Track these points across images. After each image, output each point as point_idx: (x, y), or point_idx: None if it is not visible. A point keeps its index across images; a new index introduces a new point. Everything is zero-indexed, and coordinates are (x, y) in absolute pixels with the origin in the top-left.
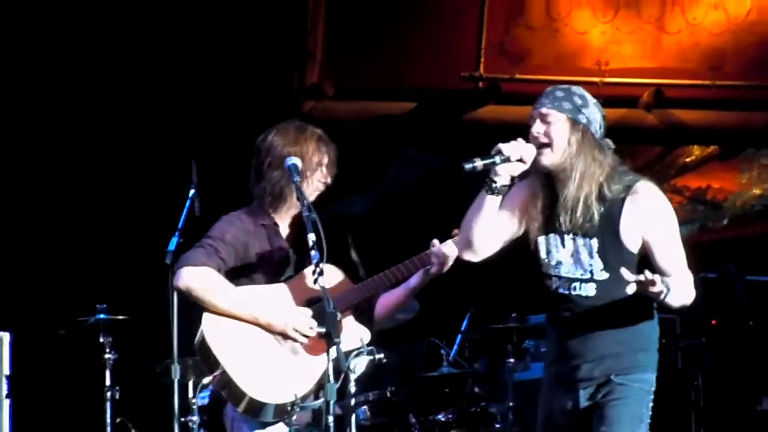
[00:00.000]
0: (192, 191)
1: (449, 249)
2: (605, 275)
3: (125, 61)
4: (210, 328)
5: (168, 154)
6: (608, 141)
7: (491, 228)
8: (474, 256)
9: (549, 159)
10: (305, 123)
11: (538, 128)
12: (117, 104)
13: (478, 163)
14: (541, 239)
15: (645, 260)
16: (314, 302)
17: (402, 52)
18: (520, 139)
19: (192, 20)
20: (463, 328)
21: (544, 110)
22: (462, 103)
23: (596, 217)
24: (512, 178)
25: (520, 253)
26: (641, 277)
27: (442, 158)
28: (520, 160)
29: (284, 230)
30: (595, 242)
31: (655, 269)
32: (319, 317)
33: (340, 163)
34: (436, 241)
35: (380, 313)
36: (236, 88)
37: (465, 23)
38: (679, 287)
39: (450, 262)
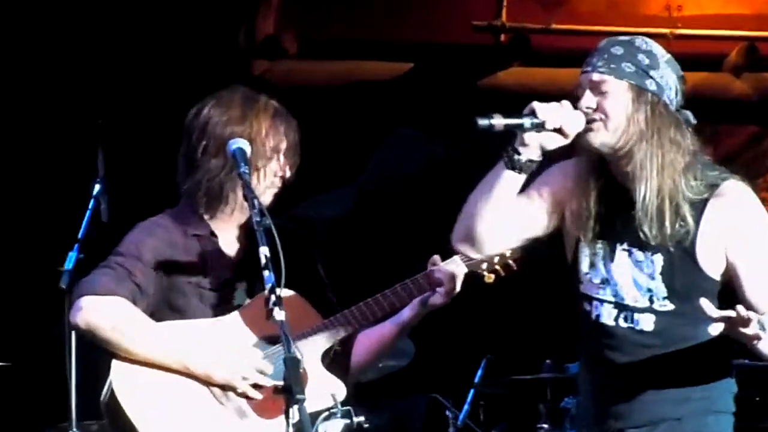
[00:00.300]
0: (97, 188)
1: (456, 268)
2: (669, 306)
3: None
4: (121, 381)
5: (65, 137)
6: (688, 114)
7: (504, 216)
8: (473, 251)
9: (601, 137)
10: (255, 92)
11: (588, 101)
12: None
13: (499, 121)
14: (585, 247)
15: (728, 290)
16: (269, 343)
17: None
18: (565, 102)
19: None
20: (476, 381)
21: (596, 76)
22: (476, 64)
23: (667, 224)
24: (543, 154)
25: (557, 274)
26: (731, 313)
27: (448, 142)
28: (559, 131)
29: (226, 243)
30: (659, 259)
31: (742, 302)
32: (276, 364)
33: (306, 148)
34: (437, 258)
35: (360, 358)
36: (159, 44)
37: None
38: None
39: (458, 287)
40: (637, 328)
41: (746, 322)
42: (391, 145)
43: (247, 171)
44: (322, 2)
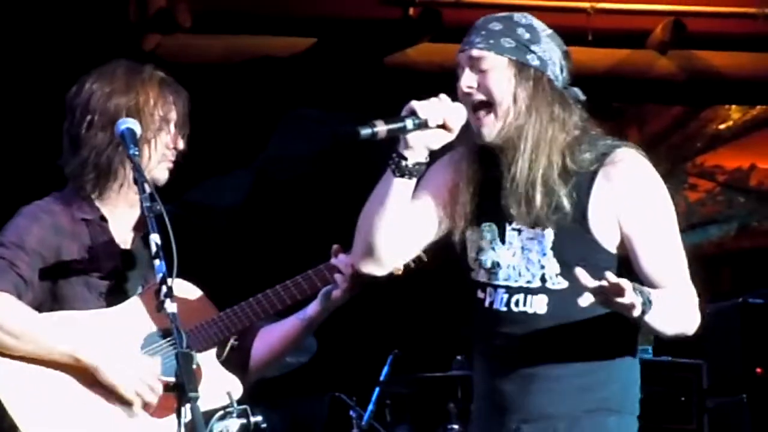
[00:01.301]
0: None
1: None
2: (563, 283)
3: None
4: (5, 379)
5: None
6: (575, 90)
7: (401, 227)
8: (378, 268)
9: (489, 126)
10: (140, 63)
11: (468, 80)
12: None
13: (381, 128)
14: (471, 233)
15: (628, 265)
16: (159, 338)
17: None
18: (443, 96)
19: None
20: (382, 378)
21: (475, 53)
22: (384, 39)
23: (537, 203)
24: (430, 153)
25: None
26: (602, 282)
27: (351, 122)
28: (443, 126)
29: (117, 228)
30: (550, 234)
31: (639, 277)
32: (167, 359)
33: (200, 129)
34: (338, 247)
35: (260, 354)
36: (45, 17)
37: None
38: (672, 305)
39: (364, 280)
40: (530, 311)
41: (621, 290)
42: (290, 125)
43: (137, 153)
44: None
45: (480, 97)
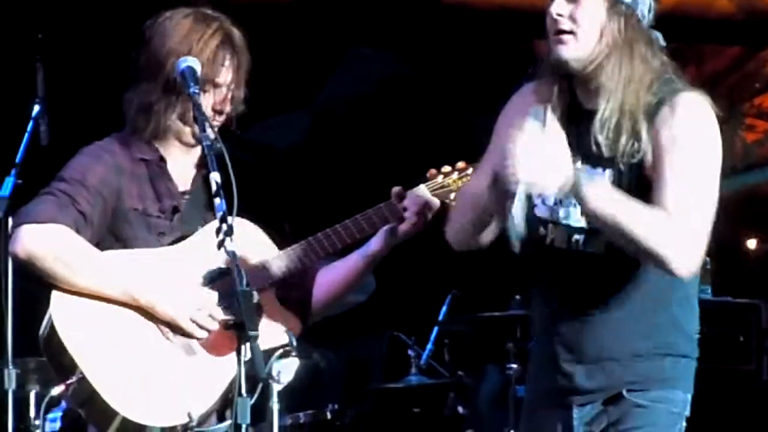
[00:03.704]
0: (36, 109)
1: (425, 196)
2: None
3: None
4: (63, 313)
5: (1, 53)
6: (658, 34)
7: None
8: (465, 243)
9: (571, 52)
10: (212, 13)
11: (559, 6)
12: None
13: (518, 222)
14: None
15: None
16: (219, 276)
17: None
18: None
19: None
20: (440, 318)
21: None
22: None
23: (623, 139)
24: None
25: None
26: None
27: (411, 60)
28: None
29: (176, 168)
30: (608, 174)
31: (652, 197)
32: (227, 299)
33: (258, 69)
34: (399, 189)
35: (321, 293)
36: None
37: None
38: (633, 211)
39: (429, 215)
40: (589, 250)
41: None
42: (349, 65)
43: (197, 91)
44: None
45: (567, 24)
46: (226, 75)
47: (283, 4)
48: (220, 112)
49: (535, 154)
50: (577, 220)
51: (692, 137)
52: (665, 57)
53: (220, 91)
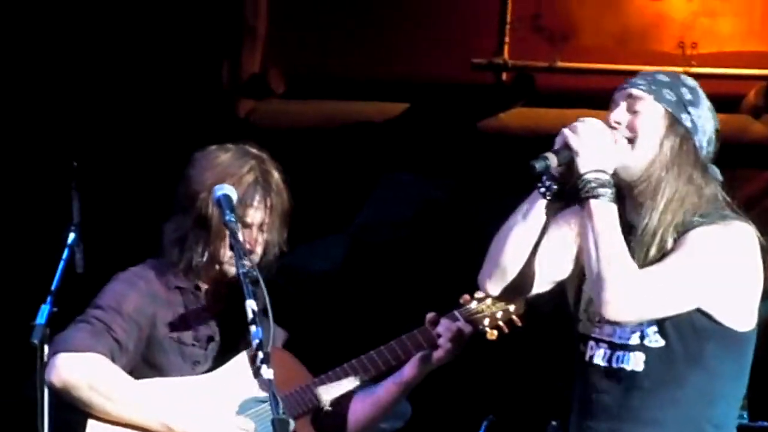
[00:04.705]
0: (71, 236)
1: (459, 322)
2: (660, 341)
3: None
4: None
5: (37, 180)
6: (715, 169)
7: (534, 250)
8: (498, 286)
9: (624, 158)
10: (250, 151)
11: (619, 115)
12: None
13: (552, 161)
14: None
15: (727, 334)
16: (254, 404)
17: (387, 27)
18: (593, 120)
19: None
20: None
21: (635, 91)
22: (477, 104)
23: (652, 253)
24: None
25: (563, 329)
26: None
27: (448, 186)
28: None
29: (210, 296)
30: None
31: None
32: (263, 426)
33: (294, 194)
34: (434, 315)
35: (355, 420)
36: (139, 82)
37: None
38: (612, 238)
39: (463, 342)
40: (628, 368)
41: None
42: (385, 190)
43: (233, 219)
44: (311, 38)
45: (625, 133)
46: (254, 215)
47: (316, 129)
48: (249, 253)
49: (595, 130)
50: (621, 337)
51: (705, 245)
52: (722, 192)
53: (249, 232)
